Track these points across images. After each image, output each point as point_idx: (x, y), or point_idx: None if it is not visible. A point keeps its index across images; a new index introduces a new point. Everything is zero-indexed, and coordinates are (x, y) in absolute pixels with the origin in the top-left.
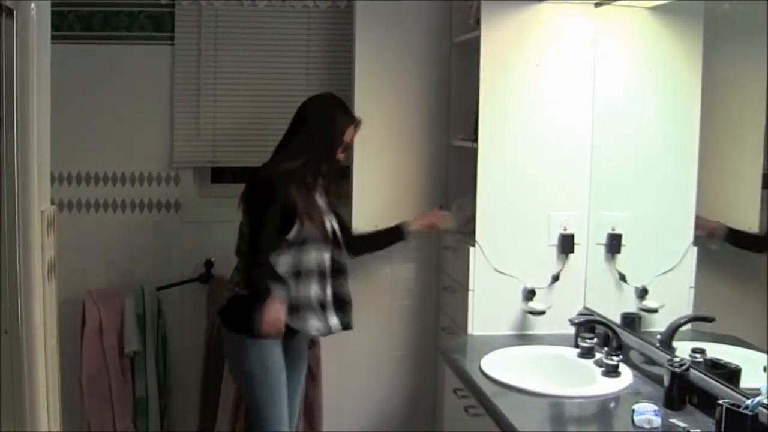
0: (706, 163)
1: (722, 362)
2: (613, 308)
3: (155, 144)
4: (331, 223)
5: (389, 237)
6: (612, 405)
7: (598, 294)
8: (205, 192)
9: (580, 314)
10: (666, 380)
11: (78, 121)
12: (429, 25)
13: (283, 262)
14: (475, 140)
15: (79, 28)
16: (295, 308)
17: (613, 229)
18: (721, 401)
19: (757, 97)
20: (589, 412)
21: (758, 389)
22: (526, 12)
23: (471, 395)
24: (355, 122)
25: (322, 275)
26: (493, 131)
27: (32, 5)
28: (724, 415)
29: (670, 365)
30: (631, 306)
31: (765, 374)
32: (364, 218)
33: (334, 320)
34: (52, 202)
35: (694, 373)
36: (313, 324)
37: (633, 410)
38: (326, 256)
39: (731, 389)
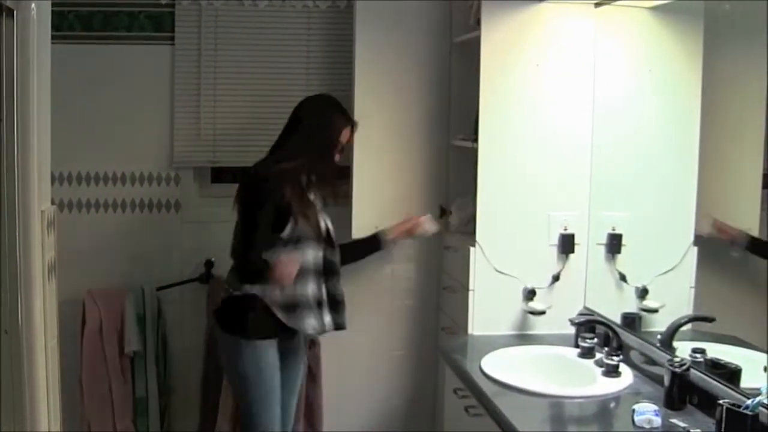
0: (706, 163)
1: (722, 362)
2: (613, 308)
3: (155, 144)
4: (325, 222)
5: (366, 247)
6: (612, 405)
7: (599, 294)
8: (205, 192)
9: (581, 314)
10: (666, 380)
11: (78, 121)
12: (429, 25)
13: None
14: (476, 140)
15: (79, 28)
16: (292, 306)
17: (614, 229)
18: (721, 401)
19: (758, 97)
20: (590, 412)
21: (758, 389)
22: (526, 12)
23: (471, 395)
24: (351, 123)
25: (317, 274)
26: (494, 131)
27: (32, 5)
28: (724, 415)
29: (671, 365)
30: (632, 306)
31: (765, 374)
32: (364, 218)
33: (327, 319)
34: (53, 202)
35: (695, 373)
36: (310, 323)
37: (633, 410)
38: (320, 255)
39: (731, 389)
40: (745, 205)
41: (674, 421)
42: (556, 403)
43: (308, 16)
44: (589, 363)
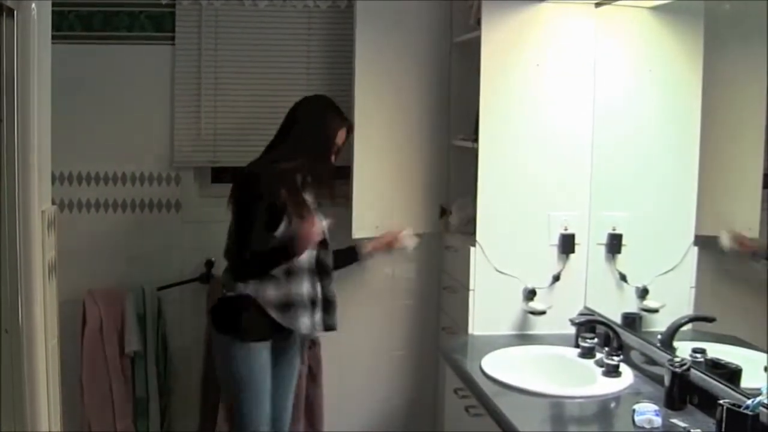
0: (706, 163)
1: (723, 362)
2: (613, 308)
3: (156, 144)
4: (320, 223)
5: (343, 258)
6: (612, 405)
7: (599, 294)
8: (205, 192)
9: (581, 314)
10: (667, 380)
11: (78, 121)
12: (429, 25)
13: None
14: (476, 140)
15: (79, 28)
16: (286, 305)
17: (614, 229)
18: (721, 401)
19: (758, 97)
20: (590, 412)
21: (759, 389)
22: (526, 12)
23: (471, 395)
24: (347, 125)
25: (312, 273)
26: (494, 131)
27: (33, 5)
28: (724, 415)
29: (671, 365)
30: (632, 306)
31: (765, 374)
32: (364, 219)
33: (318, 319)
34: (53, 202)
35: (695, 373)
36: (304, 322)
37: (634, 410)
38: (314, 255)
39: (732, 389)
40: (745, 204)
41: (674, 421)
42: (556, 403)
43: (308, 16)
44: (590, 363)
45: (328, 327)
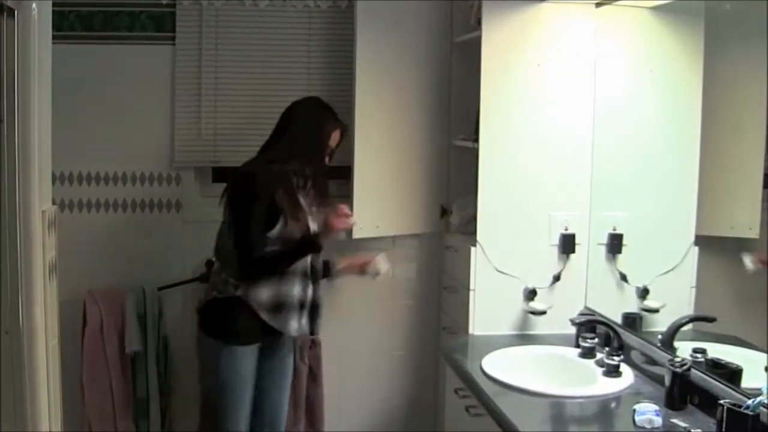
0: (706, 163)
1: (723, 362)
2: (614, 308)
3: (156, 144)
4: (314, 225)
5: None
6: (613, 405)
7: (599, 294)
8: (206, 192)
9: (581, 314)
10: (667, 380)
11: (79, 121)
12: (430, 25)
13: None
14: (476, 140)
15: (80, 28)
16: (278, 307)
17: (614, 229)
18: (722, 401)
19: (758, 97)
20: (590, 412)
21: (759, 389)
22: (527, 12)
23: (472, 395)
24: (341, 127)
25: (304, 276)
26: (494, 131)
27: (33, 5)
28: (725, 415)
29: (671, 365)
30: (632, 306)
31: (766, 374)
32: (364, 219)
33: (304, 322)
34: (54, 202)
35: (695, 373)
36: (293, 324)
37: (634, 410)
38: (308, 258)
39: (732, 389)
40: (745, 204)
41: (675, 421)
42: (556, 403)
43: (309, 16)
44: (590, 363)
45: (313, 331)
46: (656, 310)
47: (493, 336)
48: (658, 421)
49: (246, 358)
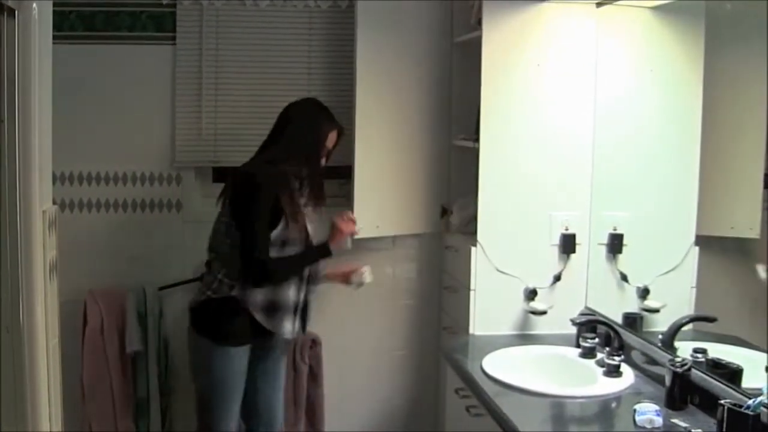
0: (707, 162)
1: (724, 362)
2: (614, 308)
3: (157, 144)
4: (309, 228)
5: None
6: (613, 405)
7: (600, 294)
8: (206, 192)
9: (582, 314)
10: (667, 380)
11: (80, 121)
12: (430, 25)
13: None
14: (477, 140)
15: (80, 28)
16: (273, 309)
17: (615, 229)
18: (722, 401)
19: (759, 97)
20: (591, 412)
21: (760, 389)
22: (527, 12)
23: (472, 395)
24: (337, 128)
25: (300, 278)
26: (495, 131)
27: (34, 5)
28: (725, 415)
29: (672, 365)
30: (633, 306)
31: (766, 374)
32: (365, 219)
33: (297, 324)
34: (54, 202)
35: (696, 373)
36: (287, 326)
37: (634, 410)
38: None
39: (733, 389)
40: (746, 204)
41: (675, 421)
42: (557, 403)
43: (309, 16)
44: (591, 363)
45: (303, 331)
46: (657, 310)
47: (494, 336)
48: (659, 421)
49: (239, 358)
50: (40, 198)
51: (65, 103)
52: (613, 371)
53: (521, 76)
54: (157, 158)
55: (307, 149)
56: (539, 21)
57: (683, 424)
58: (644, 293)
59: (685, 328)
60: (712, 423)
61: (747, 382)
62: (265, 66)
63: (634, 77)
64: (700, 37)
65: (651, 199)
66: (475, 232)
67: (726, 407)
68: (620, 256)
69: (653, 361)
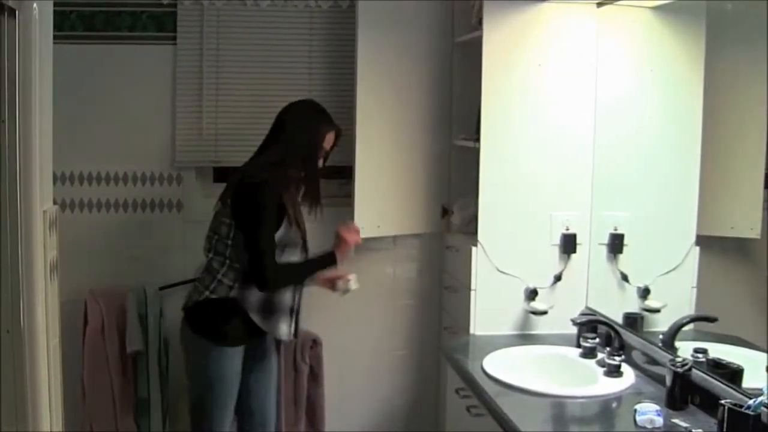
0: (708, 162)
1: (724, 362)
2: (615, 308)
3: (157, 144)
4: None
5: None
6: (614, 405)
7: (601, 294)
8: (207, 192)
9: (582, 314)
10: (668, 380)
11: (80, 121)
12: (431, 25)
13: None
14: (477, 140)
15: (81, 28)
16: (270, 311)
17: (616, 229)
18: (723, 401)
19: (759, 97)
20: (591, 412)
21: (760, 389)
22: (528, 12)
23: (473, 395)
24: (335, 129)
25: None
26: (495, 131)
27: (34, 5)
28: (726, 415)
29: (673, 365)
30: (634, 306)
31: (767, 374)
32: (365, 219)
33: (292, 327)
34: (55, 202)
35: (697, 373)
36: (283, 328)
37: (635, 410)
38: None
39: (733, 389)
40: (746, 204)
41: (676, 421)
42: (557, 403)
43: (310, 16)
44: (591, 363)
45: (295, 335)
46: (657, 310)
47: (494, 336)
48: (659, 421)
49: (233, 358)
50: (41, 198)
51: (66, 103)
52: (614, 371)
53: (522, 76)
54: (158, 158)
55: (305, 151)
56: (540, 21)
57: (684, 424)
58: (645, 293)
59: (685, 328)
60: (712, 423)
61: (747, 382)
62: (266, 66)
63: (634, 77)
64: (701, 37)
65: (652, 199)
66: (475, 232)
67: (726, 407)
68: (621, 256)
69: (654, 361)
